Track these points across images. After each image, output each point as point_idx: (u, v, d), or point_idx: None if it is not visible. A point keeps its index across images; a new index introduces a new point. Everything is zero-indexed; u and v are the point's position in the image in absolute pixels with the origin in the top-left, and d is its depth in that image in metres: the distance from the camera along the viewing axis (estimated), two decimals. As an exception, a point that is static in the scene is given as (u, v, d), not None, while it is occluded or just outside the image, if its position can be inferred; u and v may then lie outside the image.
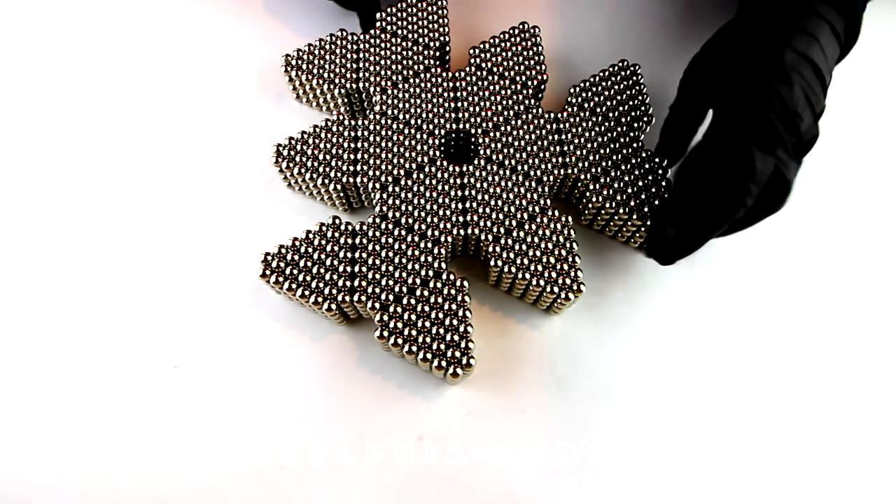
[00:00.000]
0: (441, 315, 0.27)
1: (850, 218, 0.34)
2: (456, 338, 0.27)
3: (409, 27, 0.35)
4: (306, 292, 0.28)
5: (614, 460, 0.28)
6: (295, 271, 0.28)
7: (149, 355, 0.30)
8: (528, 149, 0.32)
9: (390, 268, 0.28)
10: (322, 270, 0.28)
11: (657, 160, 0.31)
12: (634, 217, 0.30)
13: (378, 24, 0.36)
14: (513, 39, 0.35)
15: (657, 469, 0.28)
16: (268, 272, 0.28)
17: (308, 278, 0.28)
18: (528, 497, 0.27)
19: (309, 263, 0.28)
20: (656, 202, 0.30)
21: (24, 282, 0.32)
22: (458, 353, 0.27)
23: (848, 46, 0.28)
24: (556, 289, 0.28)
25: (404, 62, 0.34)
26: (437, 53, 0.35)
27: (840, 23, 0.27)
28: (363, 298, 0.28)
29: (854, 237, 0.33)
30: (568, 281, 0.28)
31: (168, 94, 0.38)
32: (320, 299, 0.28)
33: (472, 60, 0.34)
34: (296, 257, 0.29)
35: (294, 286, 0.28)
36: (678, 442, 0.28)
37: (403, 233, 0.29)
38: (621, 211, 0.30)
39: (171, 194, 0.34)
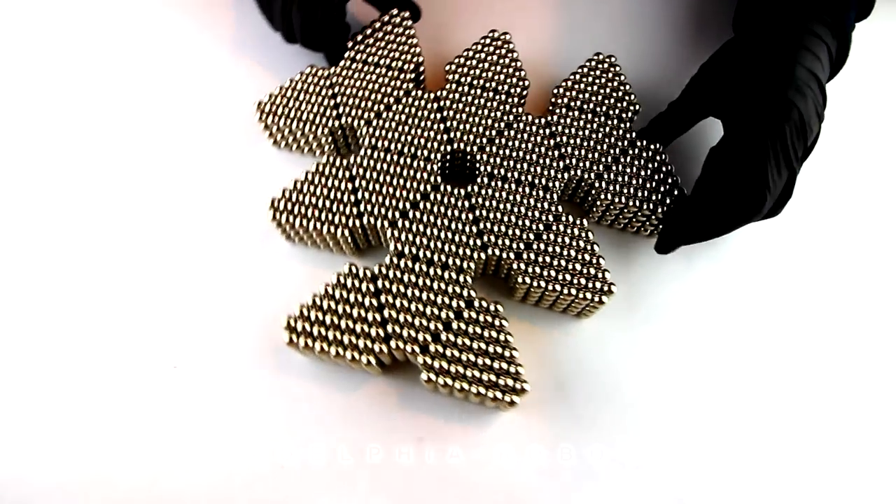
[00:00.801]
0: (483, 345, 0.27)
1: (850, 215, 0.34)
2: (504, 365, 0.26)
3: (380, 52, 0.34)
4: (340, 350, 0.26)
5: (614, 460, 0.28)
6: (322, 330, 0.27)
7: (151, 357, 0.30)
8: (528, 158, 0.31)
9: (419, 306, 0.27)
10: (351, 323, 0.27)
11: (654, 147, 0.31)
12: (645, 207, 0.30)
13: (346, 53, 0.34)
14: (486, 49, 0.34)
15: (657, 469, 0.28)
16: (294, 337, 0.27)
17: (338, 335, 0.27)
18: (528, 497, 0.27)
19: (335, 319, 0.27)
20: (663, 189, 0.30)
21: (30, 288, 0.31)
22: (510, 381, 0.26)
23: (839, 66, 0.30)
24: (588, 294, 0.28)
25: (383, 90, 0.33)
26: (413, 76, 0.34)
27: (833, 44, 0.28)
28: (400, 344, 0.27)
29: (854, 234, 0.33)
30: (598, 285, 0.28)
31: (155, 154, 0.35)
32: (356, 354, 0.26)
33: (451, 77, 0.34)
34: (320, 315, 0.27)
35: (326, 346, 0.26)
36: (678, 442, 0.28)
37: (424, 267, 0.28)
38: (631, 203, 0.30)
39: (169, 255, 0.32)
